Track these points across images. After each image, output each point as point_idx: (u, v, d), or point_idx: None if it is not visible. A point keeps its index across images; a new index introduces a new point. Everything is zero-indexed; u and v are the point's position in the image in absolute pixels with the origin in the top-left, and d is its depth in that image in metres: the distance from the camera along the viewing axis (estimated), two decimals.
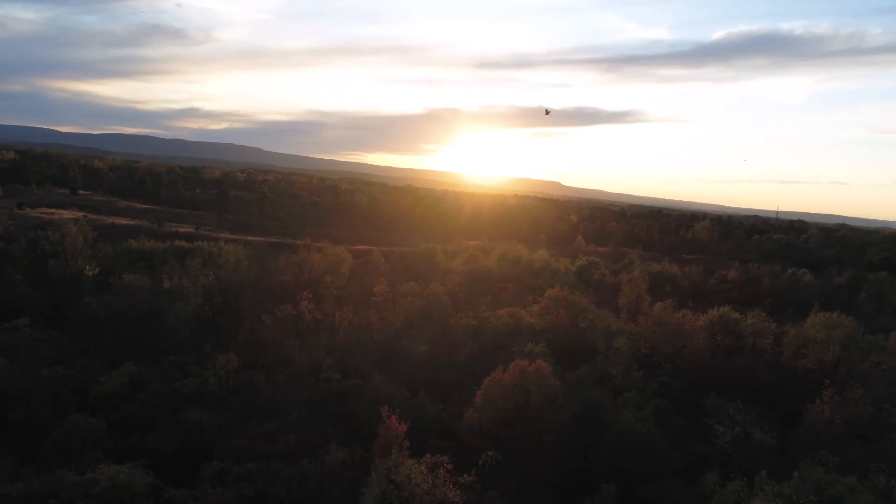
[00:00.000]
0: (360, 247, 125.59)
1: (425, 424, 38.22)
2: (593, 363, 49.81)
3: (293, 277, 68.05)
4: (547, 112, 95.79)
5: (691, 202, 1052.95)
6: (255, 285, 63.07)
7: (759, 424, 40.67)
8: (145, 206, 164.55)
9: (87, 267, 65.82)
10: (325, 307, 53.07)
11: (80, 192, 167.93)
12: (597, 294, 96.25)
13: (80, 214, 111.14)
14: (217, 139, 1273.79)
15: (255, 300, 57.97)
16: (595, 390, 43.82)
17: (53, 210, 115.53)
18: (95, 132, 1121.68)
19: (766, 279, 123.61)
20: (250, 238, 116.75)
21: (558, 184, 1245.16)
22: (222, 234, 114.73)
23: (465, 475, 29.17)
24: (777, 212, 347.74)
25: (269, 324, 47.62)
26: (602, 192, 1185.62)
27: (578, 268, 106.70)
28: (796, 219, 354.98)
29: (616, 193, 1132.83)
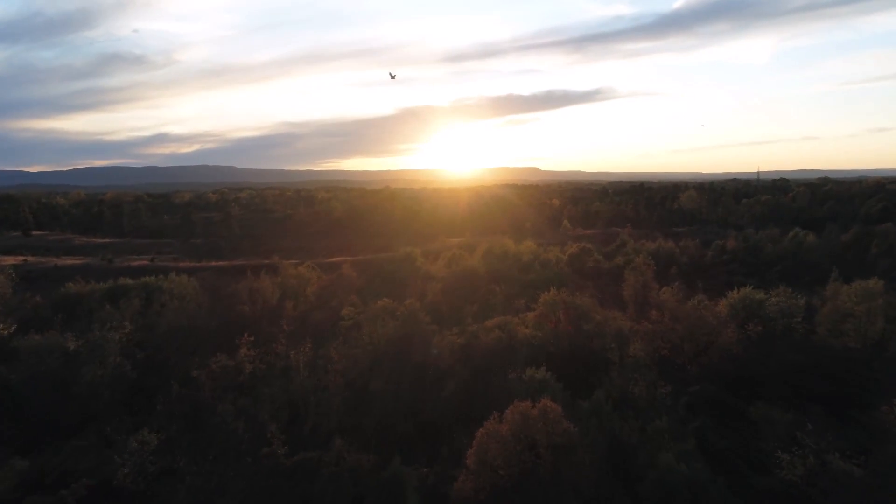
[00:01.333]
0: (335, 259, 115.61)
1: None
2: (609, 381, 40.11)
3: (248, 309, 57.88)
4: (392, 76, 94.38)
5: (670, 173, 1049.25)
6: (191, 328, 52.57)
7: (835, 447, 31.11)
8: (105, 240, 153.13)
9: (1, 325, 55.15)
10: (277, 347, 42.95)
11: (35, 232, 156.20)
12: (594, 283, 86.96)
13: (21, 259, 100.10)
14: (190, 162, 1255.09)
15: (195, 347, 47.72)
16: (618, 422, 34.13)
17: None
18: (66, 168, 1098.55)
19: (768, 245, 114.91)
20: (213, 263, 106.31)
21: (536, 169, 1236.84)
22: (182, 263, 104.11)
23: None
24: (758, 172, 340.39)
25: (203, 381, 37.50)
26: (580, 172, 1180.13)
27: (570, 256, 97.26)
28: (777, 178, 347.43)
29: (594, 172, 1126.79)
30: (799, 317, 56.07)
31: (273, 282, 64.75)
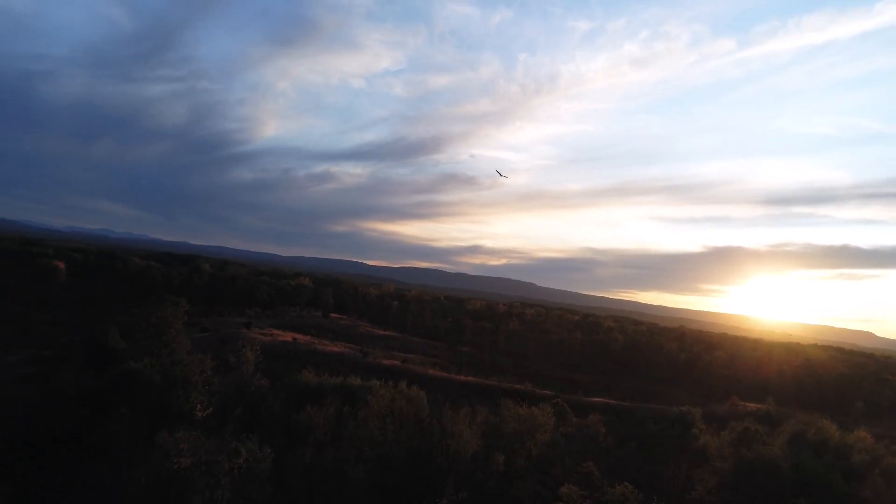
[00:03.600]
0: (594, 399, 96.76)
1: None
2: None
3: (435, 454, 43.82)
4: (501, 174, 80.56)
5: None
6: (355, 464, 40.03)
7: None
8: (386, 332, 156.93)
9: (199, 406, 49.91)
10: None
11: (333, 315, 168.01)
12: None
13: (292, 337, 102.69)
14: (496, 274, 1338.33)
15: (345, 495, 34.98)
16: None
17: (275, 331, 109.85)
18: (395, 266, 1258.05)
19: None
20: (460, 377, 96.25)
21: (871, 334, 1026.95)
22: (430, 370, 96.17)
23: None
24: None
25: None
26: None
27: None
28: None
29: None
30: None
31: (487, 420, 49.98)
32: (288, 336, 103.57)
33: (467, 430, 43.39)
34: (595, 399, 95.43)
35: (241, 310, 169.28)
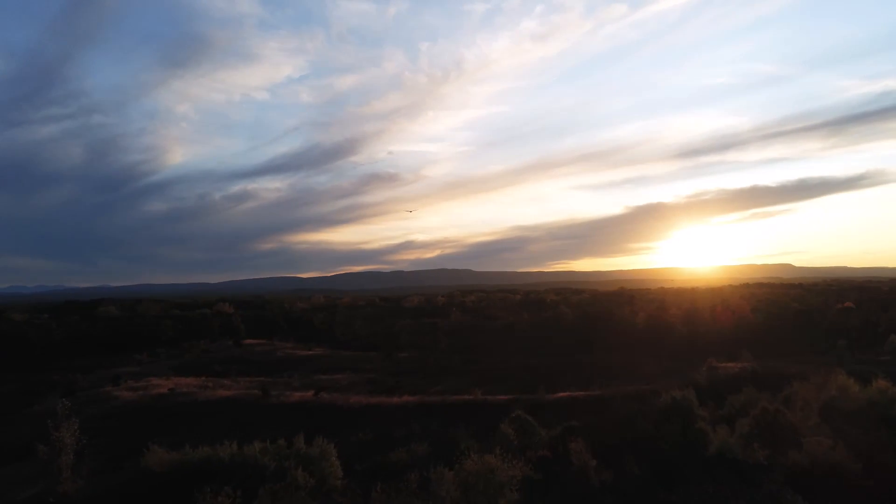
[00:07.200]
0: (561, 394, 76.77)
1: None
2: None
3: None
4: (410, 211, 59.29)
5: None
6: None
7: None
8: (312, 351, 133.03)
9: None
10: None
11: (248, 341, 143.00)
12: None
13: (171, 387, 77.91)
14: (431, 266, 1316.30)
15: None
16: None
17: (153, 380, 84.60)
18: (330, 274, 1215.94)
19: None
20: (396, 400, 74.33)
21: (790, 266, 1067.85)
22: (352, 399, 73.74)
23: None
24: None
25: None
26: (846, 268, 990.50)
27: None
28: None
29: (865, 268, 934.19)
30: None
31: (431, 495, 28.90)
32: (167, 385, 78.71)
33: None
34: (561, 394, 75.49)
35: (143, 353, 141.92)
